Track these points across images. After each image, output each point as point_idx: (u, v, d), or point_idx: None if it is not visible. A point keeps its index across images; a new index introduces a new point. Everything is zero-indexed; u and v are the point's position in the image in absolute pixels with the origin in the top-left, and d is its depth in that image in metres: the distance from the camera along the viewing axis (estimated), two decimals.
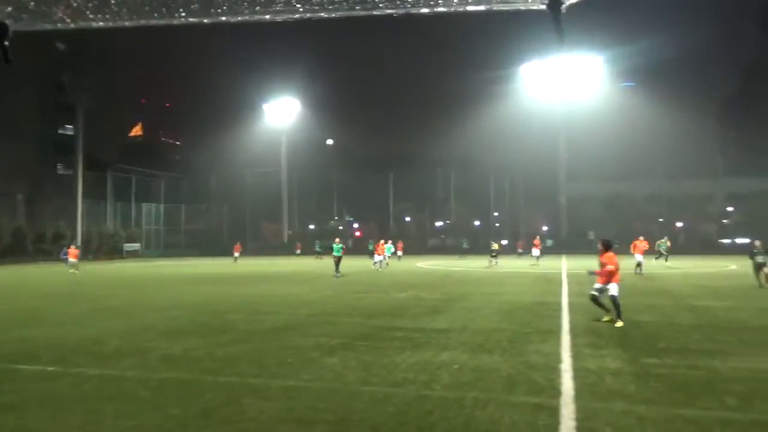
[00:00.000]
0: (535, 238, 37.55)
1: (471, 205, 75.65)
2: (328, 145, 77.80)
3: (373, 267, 29.48)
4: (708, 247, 50.89)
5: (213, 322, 11.01)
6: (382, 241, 31.59)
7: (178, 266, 38.22)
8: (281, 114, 71.73)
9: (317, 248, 47.23)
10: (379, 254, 29.82)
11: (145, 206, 66.81)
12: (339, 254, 24.78)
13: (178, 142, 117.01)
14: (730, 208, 67.64)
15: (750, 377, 6.38)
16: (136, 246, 61.65)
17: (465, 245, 47.34)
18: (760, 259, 16.90)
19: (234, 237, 72.87)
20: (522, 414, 5.13)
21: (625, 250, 24.55)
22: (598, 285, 10.54)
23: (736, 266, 29.68)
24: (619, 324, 9.95)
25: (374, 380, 6.40)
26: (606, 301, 10.42)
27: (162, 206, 69.07)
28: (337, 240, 25.85)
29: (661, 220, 64.89)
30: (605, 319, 10.40)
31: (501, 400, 5.58)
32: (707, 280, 21.45)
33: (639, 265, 23.14)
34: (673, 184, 66.49)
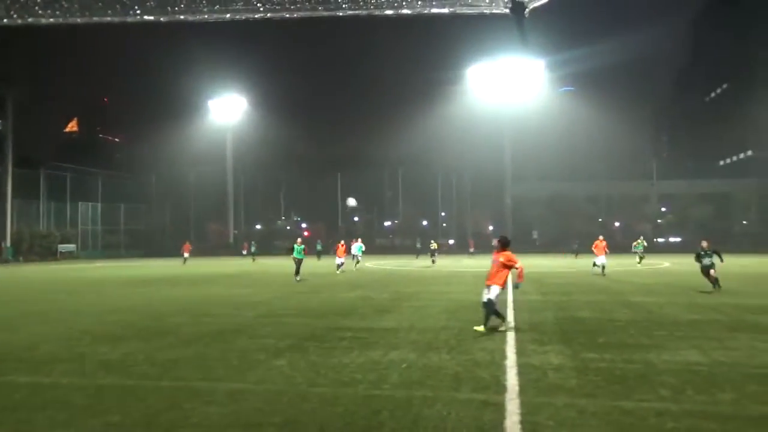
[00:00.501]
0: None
1: (419, 204, 76.43)
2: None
3: (337, 271, 25.99)
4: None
5: (154, 326, 10.66)
6: (342, 242, 28.41)
7: (117, 268, 36.82)
8: (227, 111, 70.28)
9: (252, 249, 44.66)
10: (340, 256, 26.77)
11: (81, 205, 64.02)
12: (301, 257, 22.05)
13: (117, 139, 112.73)
14: (663, 209, 71.09)
15: (682, 369, 6.70)
16: (71, 247, 58.99)
17: (417, 245, 47.56)
18: (707, 261, 15.98)
19: (177, 237, 70.72)
20: (468, 410, 5.21)
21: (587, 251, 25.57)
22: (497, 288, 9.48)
23: (669, 264, 31.23)
24: (480, 329, 9.19)
25: (323, 381, 6.36)
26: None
27: (99, 205, 66.39)
28: (299, 241, 22.58)
29: (600, 219, 67.49)
30: (479, 328, 9.30)
31: (448, 397, 5.65)
32: (642, 277, 22.45)
33: (601, 266, 22.73)
34: (612, 185, 69.31)
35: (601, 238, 23.79)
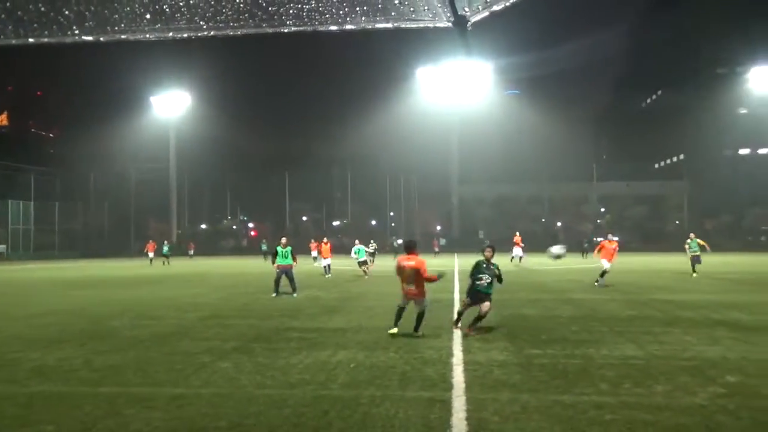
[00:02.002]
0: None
1: (367, 204, 76.56)
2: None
3: (325, 276, 22.90)
4: (581, 245, 54.93)
5: (92, 329, 10.23)
6: (326, 240, 24.88)
7: (51, 269, 35.13)
8: (170, 107, 68.23)
9: (165, 250, 39.49)
10: (325, 257, 23.64)
11: (12, 204, 60.68)
12: (288, 262, 16.33)
13: (51, 134, 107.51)
14: (602, 209, 73.90)
15: (619, 363, 6.99)
16: (0, 248, 55.88)
17: (372, 245, 47.08)
18: (695, 249, 19.89)
19: (116, 237, 68.08)
20: (416, 409, 5.25)
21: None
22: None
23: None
24: (394, 330, 8.98)
25: (269, 383, 6.27)
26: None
27: (32, 204, 63.13)
28: (283, 242, 16.48)
29: (543, 220, 69.52)
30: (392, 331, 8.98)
31: (396, 396, 5.68)
32: (583, 275, 23.24)
33: (601, 273, 17.52)
34: (555, 186, 71.50)
35: (610, 238, 18.34)
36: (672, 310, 11.75)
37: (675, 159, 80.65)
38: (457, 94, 61.84)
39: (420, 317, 8.91)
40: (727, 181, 68.48)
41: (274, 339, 8.96)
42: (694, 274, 20.69)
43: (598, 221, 71.65)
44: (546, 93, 76.60)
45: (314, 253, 35.52)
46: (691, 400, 5.46)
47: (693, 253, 21.31)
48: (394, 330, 8.97)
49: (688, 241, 21.91)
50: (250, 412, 5.24)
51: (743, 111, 68.75)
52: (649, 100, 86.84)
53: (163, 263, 37.66)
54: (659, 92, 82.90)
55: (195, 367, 7.06)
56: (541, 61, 75.87)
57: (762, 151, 68.19)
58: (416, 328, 8.90)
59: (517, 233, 32.22)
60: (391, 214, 77.28)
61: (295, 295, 15.24)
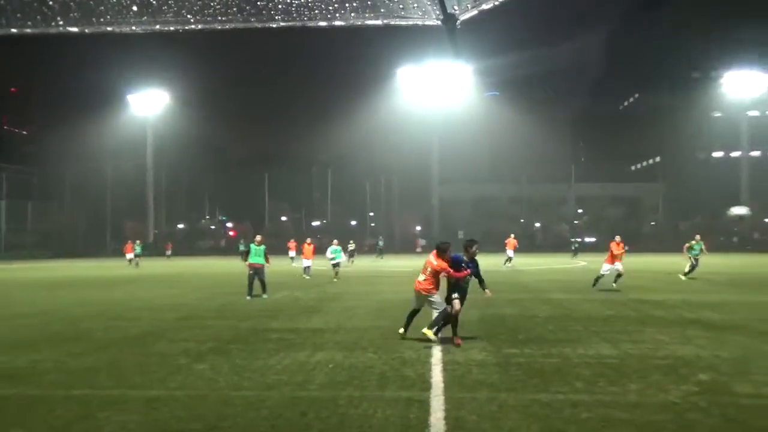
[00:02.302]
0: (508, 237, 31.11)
1: (347, 205, 76.46)
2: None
3: (304, 276, 22.29)
4: (561, 245, 55.82)
5: (66, 331, 10.04)
6: (309, 241, 23.73)
7: (24, 270, 34.40)
8: (148, 106, 67.29)
9: (136, 251, 36.26)
10: (307, 258, 22.69)
11: None
12: (260, 261, 15.50)
13: (25, 132, 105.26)
14: (579, 210, 74.84)
15: (595, 362, 7.08)
16: None
17: (380, 243, 46.68)
18: (696, 250, 19.94)
19: (91, 237, 66.88)
20: (394, 409, 5.26)
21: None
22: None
23: (586, 263, 32.89)
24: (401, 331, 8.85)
25: (247, 384, 6.22)
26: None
27: (3, 203, 61.74)
28: (258, 239, 15.57)
29: (522, 220, 70.13)
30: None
31: (374, 396, 5.68)
32: (561, 275, 23.53)
33: (611, 275, 16.44)
34: (533, 187, 72.21)
35: (618, 240, 16.97)
36: (647, 310, 11.94)
37: (651, 161, 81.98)
38: (437, 95, 62.05)
39: (438, 319, 8.17)
40: (700, 183, 69.84)
41: (252, 340, 8.89)
42: (683, 277, 19.76)
43: (575, 222, 72.55)
44: (525, 95, 77.35)
45: (292, 254, 35.21)
46: (664, 397, 5.56)
47: (695, 256, 20.30)
48: (401, 330, 8.81)
49: (693, 242, 20.69)
50: (227, 413, 5.19)
51: (717, 114, 70.16)
52: (626, 103, 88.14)
53: (132, 263, 35.72)
54: (636, 95, 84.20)
55: (170, 368, 6.98)
56: (520, 63, 76.54)
57: (734, 154, 69.62)
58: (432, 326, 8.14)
59: (512, 235, 30.98)
60: (371, 214, 77.30)
61: (265, 296, 14.82)
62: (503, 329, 9.63)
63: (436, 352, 7.70)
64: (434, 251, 8.49)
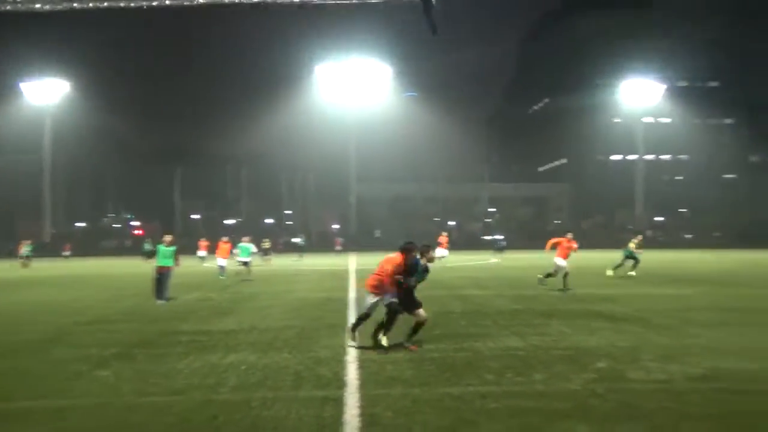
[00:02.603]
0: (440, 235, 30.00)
1: (263, 202, 74.99)
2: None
3: (220, 277, 20.84)
4: (473, 243, 57.65)
5: None
6: (225, 239, 22.26)
7: None
8: (45, 94, 62.47)
9: (25, 251, 33.73)
10: (223, 257, 21.37)
11: None
12: (168, 263, 13.65)
13: None
14: (492, 209, 77.72)
15: (503, 355, 7.36)
16: None
17: (266, 244, 44.22)
18: (635, 250, 19.71)
19: None
20: (309, 408, 5.20)
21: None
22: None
23: (497, 260, 34.18)
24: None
25: (153, 390, 5.93)
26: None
27: None
28: (167, 239, 13.75)
29: (437, 219, 71.80)
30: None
31: (289, 396, 5.59)
32: (473, 272, 24.29)
33: (563, 273, 15.47)
34: (448, 187, 74.18)
35: (570, 236, 16.59)
36: (554, 303, 12.58)
37: (557, 163, 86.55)
38: (356, 93, 62.18)
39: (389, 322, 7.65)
40: (601, 184, 74.71)
41: (160, 344, 8.49)
42: (632, 273, 19.33)
43: (486, 220, 75.28)
44: (442, 96, 79.32)
45: (202, 253, 34.07)
46: (566, 386, 5.87)
47: (629, 254, 20.02)
48: (350, 342, 7.90)
49: (635, 240, 20.23)
50: (132, 421, 4.93)
51: (617, 120, 75.20)
52: (536, 107, 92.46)
53: (22, 264, 32.92)
54: (546, 100, 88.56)
55: (73, 376, 6.53)
56: (438, 65, 78.36)
57: (630, 157, 74.92)
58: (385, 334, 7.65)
59: (444, 233, 29.85)
60: (288, 212, 76.27)
61: (161, 302, 13.30)
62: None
63: (352, 350, 7.71)
64: (400, 251, 7.67)
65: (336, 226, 69.86)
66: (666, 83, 69.20)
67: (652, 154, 74.58)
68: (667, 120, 76.20)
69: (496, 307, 12.10)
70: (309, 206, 74.88)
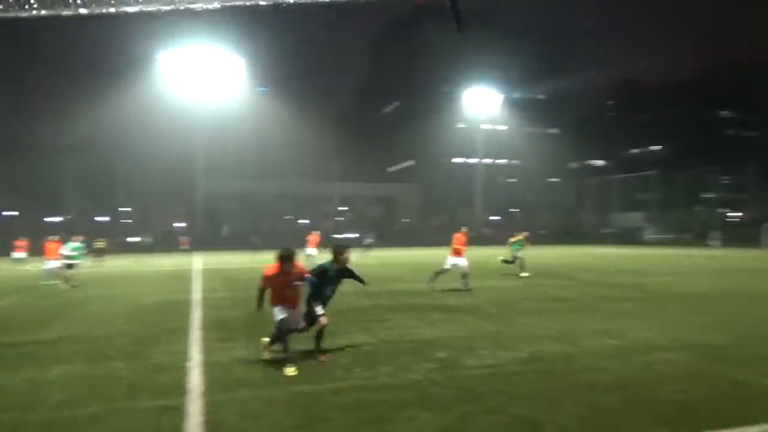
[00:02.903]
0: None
1: (95, 198, 68.49)
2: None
3: (48, 281, 18.67)
4: (325, 241, 57.84)
5: None
6: (55, 238, 19.69)
7: None
8: None
9: None
10: (49, 258, 18.85)
11: None
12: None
13: None
14: (343, 208, 78.85)
15: (353, 350, 7.51)
16: None
17: (100, 244, 39.61)
18: (518, 245, 18.99)
19: None
20: (146, 420, 4.85)
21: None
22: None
23: (354, 257, 34.67)
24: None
25: None
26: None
27: None
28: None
29: (287, 217, 71.14)
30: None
31: (123, 408, 5.16)
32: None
33: (459, 273, 14.60)
34: (300, 184, 73.80)
35: (464, 231, 15.58)
36: (401, 299, 13.09)
37: (406, 164, 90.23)
38: (203, 85, 59.18)
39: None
40: (445, 185, 79.52)
41: None
42: (524, 274, 18.52)
43: (337, 219, 76.25)
44: (294, 94, 78.51)
45: (19, 254, 30.42)
46: (409, 377, 6.14)
47: (516, 250, 19.04)
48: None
49: (519, 237, 19.31)
50: None
51: (460, 125, 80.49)
52: (387, 109, 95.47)
53: None
54: (396, 103, 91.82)
55: None
56: (292, 61, 77.57)
57: (471, 160, 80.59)
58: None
59: (315, 232, 27.87)
60: (128, 209, 70.53)
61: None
62: (268, 326, 9.56)
63: (196, 355, 7.33)
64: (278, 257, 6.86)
65: (180, 225, 65.95)
66: (503, 94, 75.46)
67: (490, 158, 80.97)
68: (504, 127, 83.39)
69: (347, 304, 12.26)
70: (152, 203, 69.85)
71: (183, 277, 20.63)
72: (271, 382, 5.99)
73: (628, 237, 63.07)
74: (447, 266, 14.83)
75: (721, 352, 7.34)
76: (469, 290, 14.06)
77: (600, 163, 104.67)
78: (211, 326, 9.57)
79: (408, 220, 77.51)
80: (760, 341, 8.02)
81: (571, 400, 5.27)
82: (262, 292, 7.04)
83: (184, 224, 65.30)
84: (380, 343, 7.94)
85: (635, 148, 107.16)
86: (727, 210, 71.41)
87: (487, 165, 78.98)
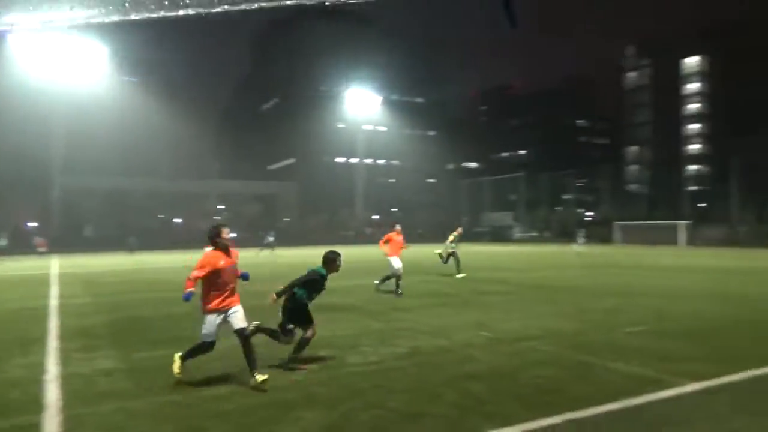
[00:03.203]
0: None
1: None
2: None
3: None
4: (202, 241, 55.37)
5: None
6: None
7: None
8: None
9: None
10: None
11: None
12: None
13: None
14: (220, 206, 76.05)
15: (233, 354, 7.22)
16: None
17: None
18: (452, 246, 18.18)
19: None
20: None
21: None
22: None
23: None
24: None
25: None
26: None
27: None
28: None
29: (161, 216, 67.21)
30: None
31: None
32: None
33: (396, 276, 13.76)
34: (175, 182, 69.99)
35: (398, 228, 14.86)
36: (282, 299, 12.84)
37: (287, 162, 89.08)
38: (61, 70, 53.88)
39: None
40: (326, 184, 79.58)
41: None
42: (460, 275, 17.79)
43: (216, 218, 73.51)
44: (170, 87, 74.23)
45: None
46: (293, 377, 6.07)
47: (453, 248, 18.21)
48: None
49: (455, 233, 18.46)
50: None
51: (341, 125, 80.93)
52: (268, 105, 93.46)
53: None
54: (276, 100, 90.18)
55: None
56: (163, 50, 73.21)
57: (353, 160, 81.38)
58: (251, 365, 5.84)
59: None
60: None
61: None
62: (135, 332, 9.01)
63: (53, 368, 6.67)
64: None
65: (31, 224, 59.48)
66: (382, 95, 77.03)
67: (371, 158, 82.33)
68: (384, 129, 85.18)
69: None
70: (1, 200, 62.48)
71: (40, 282, 18.72)
72: (137, 393, 5.60)
73: (500, 235, 67.34)
74: (396, 268, 13.64)
75: (576, 339, 8.07)
76: (400, 294, 13.18)
77: (474, 164, 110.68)
78: (70, 335, 8.77)
79: (288, 219, 76.54)
80: (607, 328, 8.93)
81: (447, 391, 5.50)
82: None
83: (36, 224, 59.00)
84: (257, 346, 7.73)
85: (505, 151, 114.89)
86: (584, 210, 78.78)
87: (367, 165, 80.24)
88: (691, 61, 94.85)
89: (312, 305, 6.89)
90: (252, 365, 5.72)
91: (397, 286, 13.50)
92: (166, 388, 5.76)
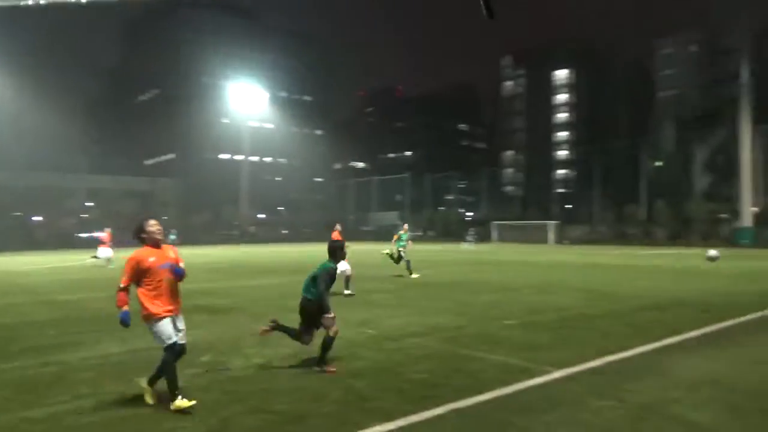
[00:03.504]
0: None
1: None
2: None
3: None
4: (67, 241, 51.02)
5: None
6: None
7: None
8: None
9: None
10: None
11: None
12: None
13: None
14: (90, 204, 70.35)
15: (101, 363, 6.76)
16: None
17: None
18: (403, 240, 17.21)
19: None
20: None
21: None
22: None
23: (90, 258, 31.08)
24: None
25: None
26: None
27: None
28: None
29: (18, 213, 60.74)
30: None
31: None
32: (68, 273, 21.55)
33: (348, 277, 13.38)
34: (33, 176, 63.59)
35: (338, 228, 14.88)
36: (186, 299, 12.15)
37: (166, 157, 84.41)
38: None
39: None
40: (209, 181, 76.48)
41: None
42: (414, 275, 17.48)
43: (83, 216, 67.88)
44: (28, 75, 67.10)
45: None
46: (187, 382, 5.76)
47: (402, 247, 17.63)
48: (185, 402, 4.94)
49: (401, 232, 18.00)
50: None
51: (225, 121, 78.14)
52: (144, 97, 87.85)
53: None
54: (155, 92, 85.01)
55: None
56: (26, 36, 66.27)
57: (237, 157, 78.83)
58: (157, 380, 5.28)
59: (108, 229, 25.48)
60: None
61: None
62: None
63: None
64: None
65: None
66: (268, 92, 75.47)
67: (256, 155, 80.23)
68: (270, 126, 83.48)
69: (94, 311, 11.01)
70: None
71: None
72: None
73: (386, 234, 68.65)
74: (342, 270, 12.19)
75: (457, 333, 8.47)
76: (353, 294, 12.90)
77: (361, 164, 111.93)
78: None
79: (166, 217, 72.62)
80: (485, 321, 9.46)
81: (332, 389, 5.53)
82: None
83: None
84: (134, 352, 7.29)
85: (392, 152, 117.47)
86: (464, 210, 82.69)
87: (253, 162, 78.21)
88: (561, 74, 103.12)
89: (195, 306, 6.59)
90: (172, 387, 4.99)
91: (346, 287, 13.09)
92: (25, 402, 5.25)
